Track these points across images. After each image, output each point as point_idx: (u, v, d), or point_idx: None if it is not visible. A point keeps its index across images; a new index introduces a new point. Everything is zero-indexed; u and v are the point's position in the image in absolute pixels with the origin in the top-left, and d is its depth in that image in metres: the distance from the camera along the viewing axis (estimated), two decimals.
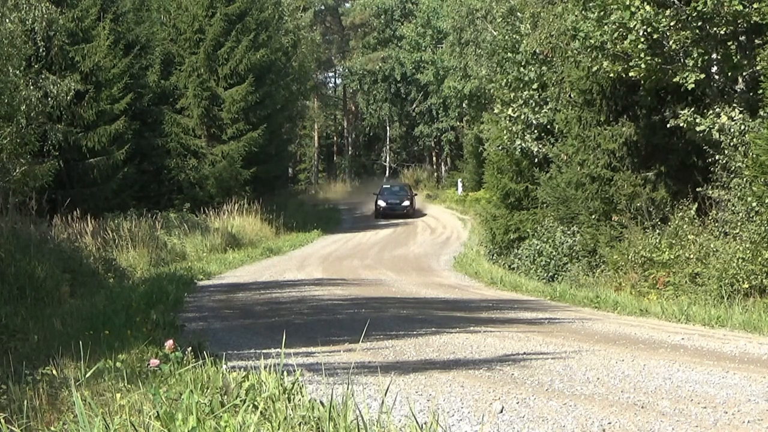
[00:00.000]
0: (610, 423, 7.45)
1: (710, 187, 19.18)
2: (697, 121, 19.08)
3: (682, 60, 18.83)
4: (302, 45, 56.07)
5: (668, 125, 20.06)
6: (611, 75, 19.83)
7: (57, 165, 25.27)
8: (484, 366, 10.44)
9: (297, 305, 18.27)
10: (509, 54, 26.53)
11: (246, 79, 39.44)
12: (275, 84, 43.91)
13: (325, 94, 79.17)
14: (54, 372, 8.29)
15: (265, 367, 6.87)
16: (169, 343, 6.53)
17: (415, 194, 54.51)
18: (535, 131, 26.18)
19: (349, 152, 79.04)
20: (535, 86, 25.81)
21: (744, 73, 19.13)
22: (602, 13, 19.09)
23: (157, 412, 5.68)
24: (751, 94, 19.01)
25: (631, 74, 19.08)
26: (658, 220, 20.26)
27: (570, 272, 22.59)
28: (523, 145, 26.32)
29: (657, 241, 19.36)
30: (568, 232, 23.15)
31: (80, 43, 29.11)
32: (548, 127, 25.65)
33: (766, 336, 13.49)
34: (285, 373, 6.89)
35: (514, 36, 26.36)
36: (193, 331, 13.41)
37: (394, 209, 51.66)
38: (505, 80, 26.67)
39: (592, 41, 19.51)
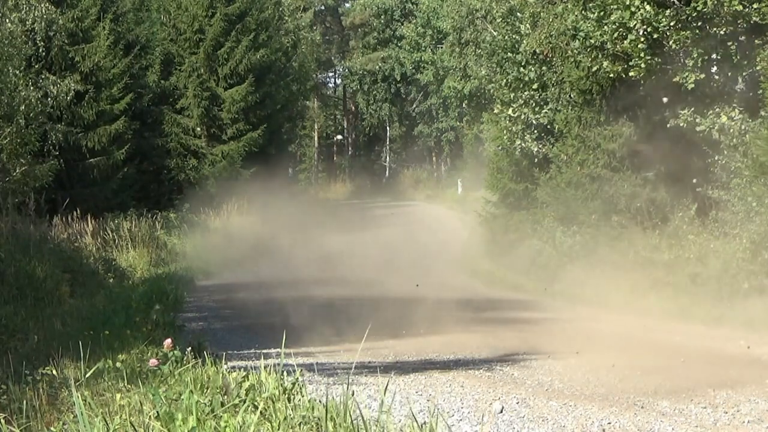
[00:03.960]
0: (610, 423, 7.45)
1: (710, 187, 19.18)
2: (697, 121, 19.08)
3: (682, 60, 18.82)
4: (302, 45, 56.03)
5: (668, 125, 20.05)
6: (611, 75, 19.82)
7: (57, 165, 25.24)
8: (484, 366, 10.43)
9: (297, 305, 18.26)
10: (509, 54, 26.50)
11: (246, 79, 39.40)
12: (275, 84, 43.85)
13: (325, 94, 79.08)
14: (54, 372, 8.29)
15: (265, 367, 6.87)
16: (167, 341, 6.53)
17: None
18: (535, 131, 26.15)
19: (349, 152, 79.00)
20: (535, 86, 25.77)
21: (744, 73, 19.13)
22: (602, 13, 19.09)
23: (157, 412, 5.67)
24: (751, 94, 19.01)
25: (631, 74, 19.08)
26: (658, 220, 20.25)
27: (570, 272, 22.57)
28: (523, 145, 26.29)
29: (657, 241, 19.35)
30: (568, 232, 23.13)
31: (80, 43, 29.09)
32: (548, 127, 25.62)
33: (766, 336, 13.48)
34: (285, 373, 6.90)
35: (513, 36, 26.32)
36: (193, 331, 13.40)
37: None
38: (505, 80, 26.63)
39: (592, 41, 19.51)
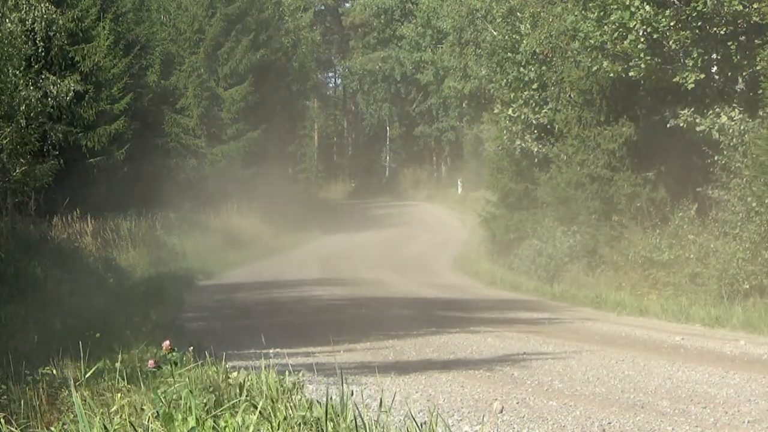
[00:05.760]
0: (610, 423, 7.45)
1: (710, 187, 19.18)
2: (697, 121, 19.08)
3: (682, 60, 18.83)
4: (302, 45, 56.02)
5: (668, 125, 20.05)
6: (611, 75, 19.82)
7: (57, 165, 25.22)
8: (484, 366, 10.44)
9: (297, 305, 18.27)
10: (509, 54, 26.49)
11: (246, 79, 39.41)
12: (275, 84, 43.87)
13: (325, 94, 79.07)
14: (54, 372, 8.29)
15: (265, 367, 6.88)
16: (166, 343, 6.52)
17: None
18: (535, 131, 26.14)
19: (349, 152, 79.02)
20: (535, 86, 25.76)
21: (744, 73, 19.13)
22: (602, 13, 19.09)
23: (157, 412, 5.68)
24: (751, 94, 19.01)
25: (631, 74, 19.08)
26: (658, 220, 20.26)
27: (570, 272, 22.57)
28: (523, 145, 26.28)
29: (657, 241, 19.36)
30: (568, 232, 23.13)
31: (80, 43, 29.06)
32: (548, 127, 25.61)
33: (766, 336, 13.49)
34: (285, 373, 6.90)
35: (514, 36, 26.31)
36: (193, 331, 13.41)
37: None
38: (505, 80, 26.62)
39: (592, 41, 19.50)
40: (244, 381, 6.85)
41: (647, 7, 18.29)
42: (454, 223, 48.20)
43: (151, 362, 6.80)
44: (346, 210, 59.09)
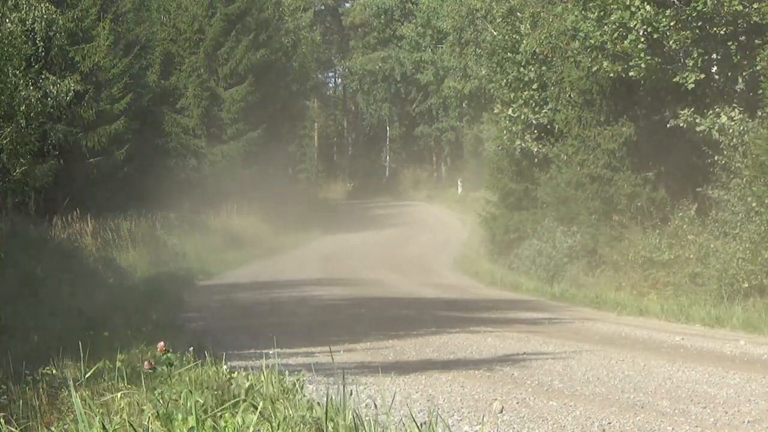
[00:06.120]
0: (610, 423, 7.45)
1: (710, 187, 19.18)
2: (697, 121, 19.09)
3: (682, 60, 18.83)
4: (302, 45, 56.01)
5: (668, 125, 20.05)
6: (611, 75, 19.82)
7: (57, 165, 25.22)
8: (484, 366, 10.44)
9: (297, 305, 18.27)
10: (509, 54, 26.49)
11: (246, 79, 39.40)
12: (275, 84, 43.86)
13: (325, 94, 79.07)
14: (54, 372, 8.29)
15: (265, 367, 6.88)
16: (160, 345, 6.51)
17: None
18: (535, 131, 26.14)
19: (349, 152, 79.01)
20: (534, 86, 25.76)
21: (744, 73, 19.14)
22: (602, 13, 19.10)
23: (157, 412, 5.68)
24: (751, 94, 19.03)
25: (631, 74, 19.09)
26: (658, 220, 20.26)
27: (570, 272, 22.57)
28: (523, 145, 26.28)
29: (657, 241, 19.37)
30: (568, 232, 23.12)
31: (80, 43, 29.05)
32: (548, 127, 25.61)
33: (766, 336, 13.50)
34: (285, 373, 6.90)
35: (514, 36, 26.31)
36: (194, 331, 13.41)
37: None
38: (505, 80, 26.62)
39: (592, 41, 19.51)
40: (244, 381, 6.86)
41: (647, 7, 18.30)
42: (454, 223, 48.20)
43: (146, 364, 6.79)
44: (346, 210, 59.08)
